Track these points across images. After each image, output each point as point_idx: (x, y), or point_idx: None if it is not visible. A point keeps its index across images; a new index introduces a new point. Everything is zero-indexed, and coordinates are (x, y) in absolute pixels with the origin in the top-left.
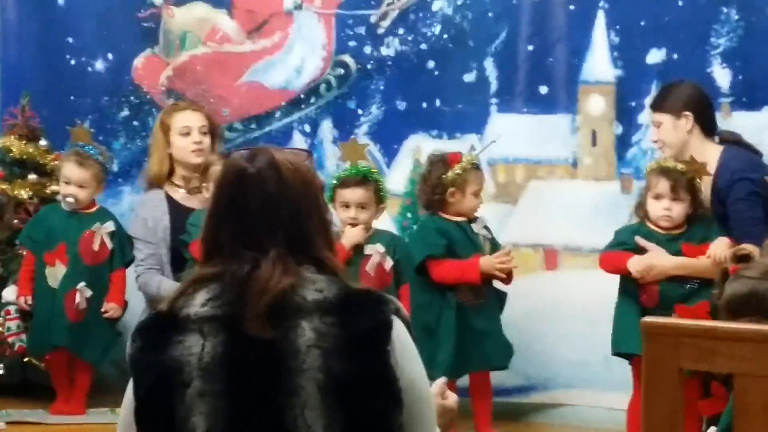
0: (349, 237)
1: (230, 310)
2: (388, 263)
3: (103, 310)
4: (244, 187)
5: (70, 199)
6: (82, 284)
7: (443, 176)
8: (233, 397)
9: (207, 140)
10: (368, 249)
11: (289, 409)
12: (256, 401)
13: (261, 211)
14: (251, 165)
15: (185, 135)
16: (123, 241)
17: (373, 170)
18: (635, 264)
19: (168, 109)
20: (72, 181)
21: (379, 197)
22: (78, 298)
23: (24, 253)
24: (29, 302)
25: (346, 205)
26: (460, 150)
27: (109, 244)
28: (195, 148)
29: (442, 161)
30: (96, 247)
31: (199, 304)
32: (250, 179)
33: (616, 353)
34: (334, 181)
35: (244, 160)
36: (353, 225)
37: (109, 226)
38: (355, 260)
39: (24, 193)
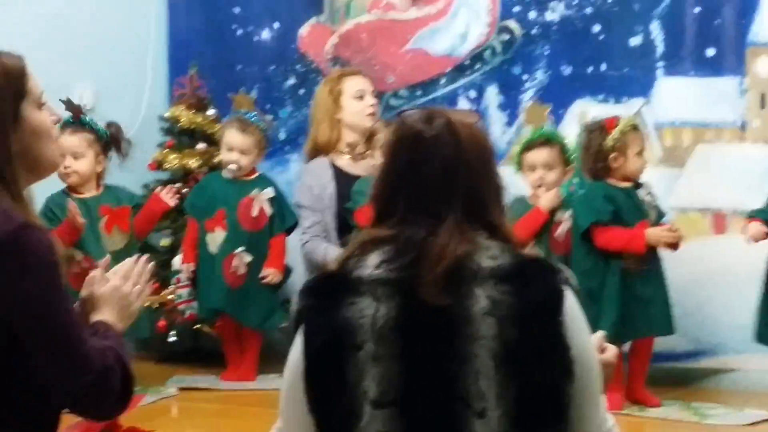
0: (547, 200)
1: (405, 275)
2: (567, 225)
3: (261, 275)
4: (421, 151)
5: (233, 166)
6: (240, 249)
7: (602, 142)
8: (406, 362)
9: (377, 105)
10: (559, 214)
11: (461, 377)
12: (429, 368)
13: (438, 175)
14: (428, 128)
15: (359, 99)
16: (283, 207)
17: (556, 132)
18: None
19: (335, 75)
20: (234, 148)
21: (564, 159)
22: (235, 262)
23: (188, 220)
24: (192, 269)
25: (532, 167)
26: (624, 114)
27: (269, 211)
28: (370, 111)
29: (599, 128)
30: (255, 213)
31: (372, 265)
32: (427, 143)
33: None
34: (518, 146)
35: (421, 123)
36: (539, 187)
37: (269, 192)
38: (547, 227)
39: (193, 163)
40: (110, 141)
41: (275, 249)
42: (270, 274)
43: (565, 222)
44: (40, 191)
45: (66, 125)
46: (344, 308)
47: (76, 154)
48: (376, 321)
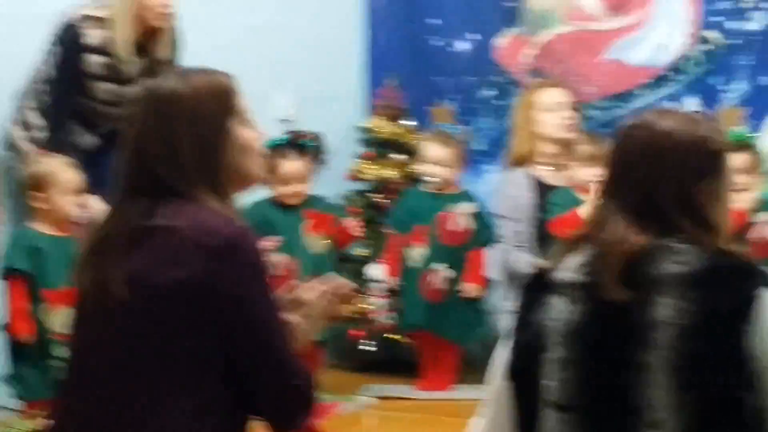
0: (741, 201)
1: (593, 276)
2: None
3: (458, 289)
4: (632, 153)
5: (435, 179)
6: (438, 265)
7: None
8: (588, 368)
9: (576, 116)
10: (755, 217)
11: (637, 386)
12: (607, 374)
13: (645, 178)
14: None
15: (555, 111)
16: (486, 221)
17: (751, 137)
18: None
19: (533, 86)
20: (434, 161)
21: (758, 164)
22: (432, 277)
23: (388, 232)
24: (397, 283)
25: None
26: None
27: (470, 225)
28: (568, 122)
29: None
30: (455, 227)
31: (570, 268)
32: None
33: None
34: None
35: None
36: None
37: (470, 206)
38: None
39: (391, 173)
40: (317, 153)
41: (473, 263)
42: (467, 289)
43: (761, 224)
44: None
45: (286, 148)
46: (543, 309)
47: (302, 179)
48: (567, 324)
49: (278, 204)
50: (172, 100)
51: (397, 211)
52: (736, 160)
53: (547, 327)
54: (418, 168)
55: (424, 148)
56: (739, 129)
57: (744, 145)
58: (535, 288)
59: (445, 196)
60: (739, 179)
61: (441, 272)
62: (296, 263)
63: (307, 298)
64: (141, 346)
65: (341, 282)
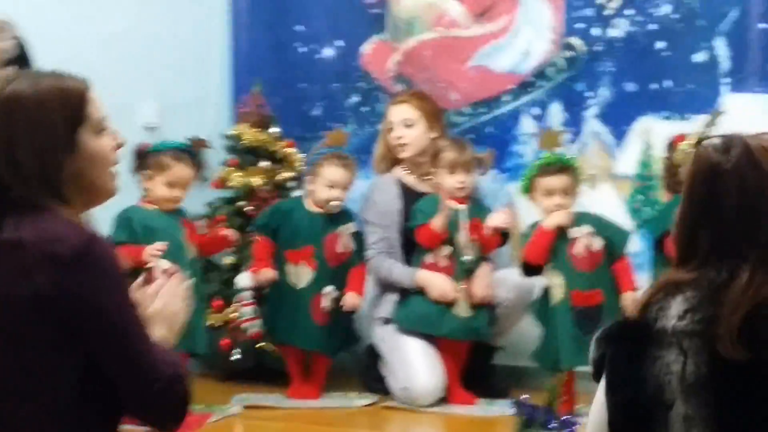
0: (552, 219)
1: (707, 324)
2: (597, 243)
3: (341, 303)
4: (720, 185)
5: (336, 203)
6: (329, 288)
7: (672, 158)
8: (717, 424)
9: (411, 132)
10: (573, 232)
11: None
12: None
13: (739, 211)
14: (726, 159)
15: (396, 128)
16: (363, 239)
17: (571, 157)
18: None
19: (393, 98)
20: (337, 185)
21: (577, 184)
22: (324, 302)
23: (258, 239)
24: (271, 277)
25: (550, 193)
26: (689, 131)
27: (351, 246)
28: (396, 142)
29: (670, 144)
30: (340, 249)
31: (675, 315)
32: (726, 176)
33: None
34: (531, 171)
35: (718, 153)
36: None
37: (351, 226)
38: (561, 245)
39: (257, 180)
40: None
41: (356, 278)
42: (350, 298)
43: (583, 238)
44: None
45: (181, 154)
46: (650, 361)
47: (186, 185)
48: (685, 378)
49: (155, 209)
50: (12, 103)
51: (272, 220)
52: (559, 182)
53: (660, 382)
54: (288, 174)
55: (323, 170)
56: (559, 151)
57: (564, 167)
58: (632, 338)
59: (329, 217)
60: (558, 200)
61: (330, 295)
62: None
63: (152, 310)
64: None
65: (172, 283)
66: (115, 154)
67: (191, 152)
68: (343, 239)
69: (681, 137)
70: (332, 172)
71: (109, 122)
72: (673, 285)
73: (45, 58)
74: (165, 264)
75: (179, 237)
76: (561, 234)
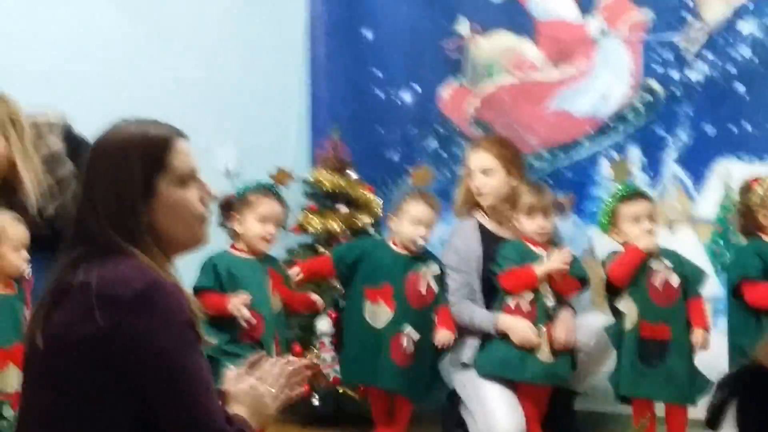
0: (646, 242)
1: None
2: (675, 279)
3: (436, 341)
4: None
5: (422, 241)
6: (408, 328)
7: (748, 201)
8: None
9: (490, 181)
10: (654, 265)
11: None
12: None
13: None
14: None
15: (476, 174)
16: (445, 280)
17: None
18: None
19: (473, 143)
20: (422, 222)
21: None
22: (405, 342)
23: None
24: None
25: (636, 219)
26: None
27: (435, 288)
28: (475, 191)
29: (745, 187)
30: (423, 290)
31: None
32: None
33: None
34: (612, 201)
35: None
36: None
37: (435, 269)
38: (641, 274)
39: (335, 225)
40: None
41: (444, 315)
42: (441, 333)
43: (663, 271)
44: None
45: (267, 190)
46: None
47: (277, 221)
48: None
49: (242, 256)
50: (98, 148)
51: (349, 253)
52: (643, 207)
53: None
54: (368, 220)
55: (408, 208)
56: (629, 181)
57: (639, 194)
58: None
59: (411, 258)
60: (647, 225)
61: (411, 335)
62: (262, 320)
63: (236, 390)
64: (56, 402)
65: (300, 363)
66: (202, 205)
67: (275, 188)
68: (425, 280)
69: (756, 180)
70: (418, 209)
71: (199, 174)
72: None
73: (123, 103)
74: (246, 313)
75: (264, 286)
76: (643, 263)
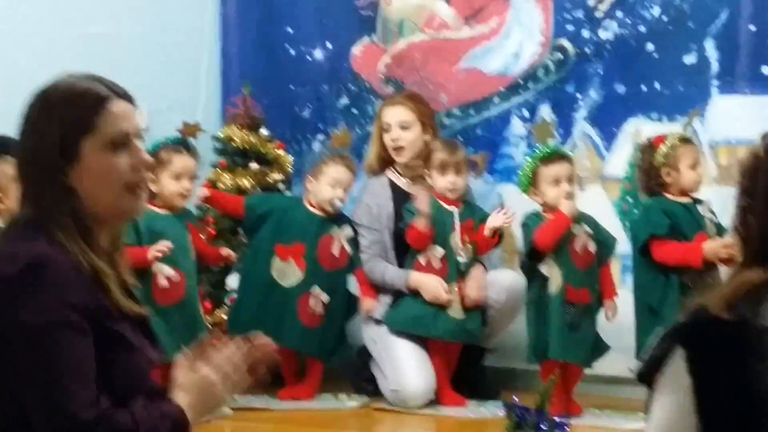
0: (569, 207)
1: None
2: (592, 245)
3: (364, 310)
4: None
5: (339, 203)
6: (317, 288)
7: (652, 159)
8: None
9: (407, 135)
10: (575, 229)
11: None
12: None
13: None
14: None
15: (390, 130)
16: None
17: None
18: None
19: (385, 101)
20: (341, 185)
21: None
22: (313, 303)
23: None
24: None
25: (557, 181)
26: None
27: (349, 250)
28: (393, 145)
29: (648, 146)
30: (336, 252)
31: None
32: None
33: None
34: (532, 162)
35: None
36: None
37: (349, 231)
38: (564, 239)
39: (246, 182)
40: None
41: (363, 281)
42: (367, 303)
43: (582, 236)
44: None
45: (178, 146)
46: (756, 367)
47: (191, 176)
48: None
49: (161, 212)
50: (28, 105)
51: (262, 203)
52: (564, 169)
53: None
54: (278, 177)
55: (328, 170)
56: (551, 142)
57: (560, 156)
58: (728, 337)
59: (324, 219)
60: (567, 188)
61: (320, 297)
62: (184, 278)
63: (182, 382)
64: None
65: (264, 341)
66: (134, 173)
67: (186, 142)
68: (339, 242)
69: (660, 138)
70: (337, 171)
71: (136, 140)
72: (757, 285)
73: (29, 58)
74: (168, 271)
75: (184, 240)
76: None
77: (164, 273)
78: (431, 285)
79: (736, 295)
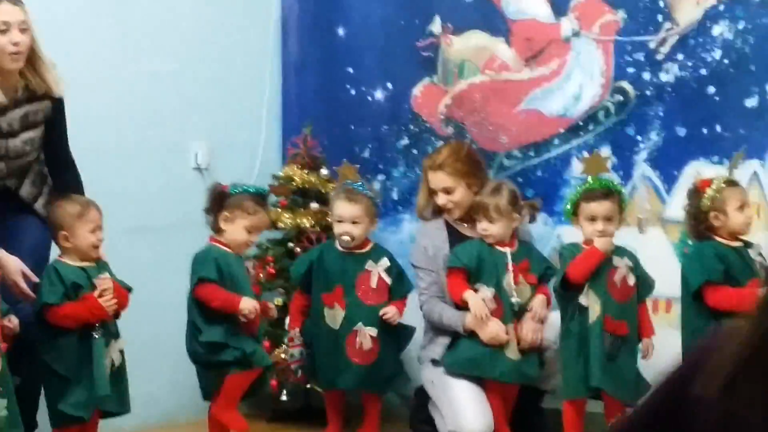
0: (603, 243)
1: None
2: (631, 278)
3: (381, 312)
4: None
5: (346, 237)
6: (360, 325)
7: (699, 203)
8: None
9: (454, 197)
10: (616, 261)
11: None
12: None
13: None
14: None
15: (435, 194)
16: (399, 273)
17: (615, 183)
18: None
19: (427, 160)
20: (344, 219)
21: (621, 210)
22: (359, 339)
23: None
24: (297, 334)
25: (593, 218)
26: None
27: (388, 280)
28: (443, 206)
29: (694, 190)
30: (373, 285)
31: None
32: None
33: None
34: (576, 194)
35: None
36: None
37: (384, 262)
38: (603, 270)
39: (306, 222)
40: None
41: (397, 303)
42: (390, 310)
43: (623, 268)
44: None
45: (263, 201)
46: None
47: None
48: None
49: (229, 252)
50: None
51: (303, 267)
52: (602, 207)
53: None
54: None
55: (333, 206)
56: (605, 176)
57: (609, 192)
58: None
59: (359, 255)
60: (600, 227)
61: (368, 333)
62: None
63: None
64: None
65: None
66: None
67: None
68: (375, 275)
69: (707, 182)
70: (339, 206)
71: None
72: None
73: (98, 95)
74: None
75: (249, 281)
76: (604, 259)
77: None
78: (488, 325)
79: None
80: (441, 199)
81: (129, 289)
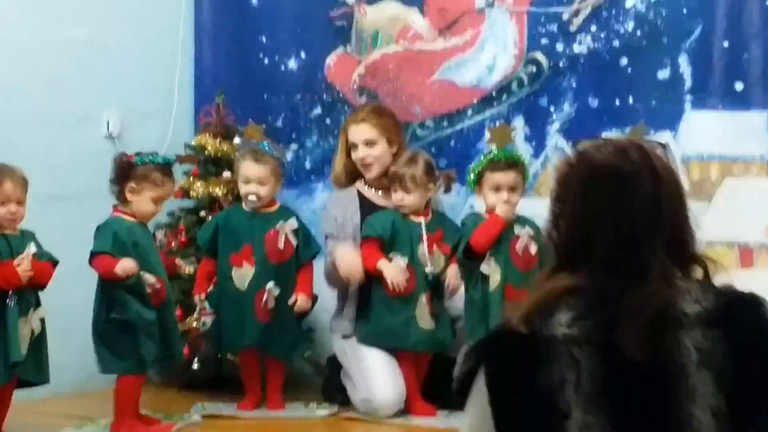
0: (504, 211)
1: (604, 330)
2: (533, 247)
3: (290, 301)
4: (620, 189)
5: (253, 198)
6: (270, 284)
7: None
8: (620, 429)
9: (374, 151)
10: (517, 230)
11: None
12: None
13: (640, 215)
14: (625, 162)
15: (358, 148)
16: (308, 236)
17: (520, 154)
18: None
19: (348, 117)
20: (251, 179)
21: (524, 180)
22: (265, 297)
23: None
24: (203, 299)
25: (497, 188)
26: None
27: (294, 242)
28: (362, 162)
29: None
30: (281, 245)
31: (564, 323)
32: (626, 180)
33: None
34: (480, 164)
35: (616, 157)
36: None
37: (292, 223)
38: (505, 238)
39: (218, 191)
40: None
41: (303, 277)
42: (300, 299)
43: (523, 237)
44: None
45: (170, 170)
46: (541, 372)
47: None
48: (580, 385)
49: (134, 222)
50: None
51: (209, 233)
52: (507, 177)
53: (554, 391)
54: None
55: (239, 167)
56: (510, 146)
57: (513, 163)
58: (521, 347)
59: (267, 215)
60: (504, 196)
61: (271, 291)
62: (163, 284)
63: None
64: None
65: None
66: None
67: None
68: (282, 235)
69: None
70: (245, 166)
71: None
72: (558, 293)
73: (7, 63)
74: (151, 278)
75: (156, 249)
76: (506, 228)
77: (149, 281)
78: (393, 269)
79: (535, 307)
80: (361, 152)
81: (55, 262)
